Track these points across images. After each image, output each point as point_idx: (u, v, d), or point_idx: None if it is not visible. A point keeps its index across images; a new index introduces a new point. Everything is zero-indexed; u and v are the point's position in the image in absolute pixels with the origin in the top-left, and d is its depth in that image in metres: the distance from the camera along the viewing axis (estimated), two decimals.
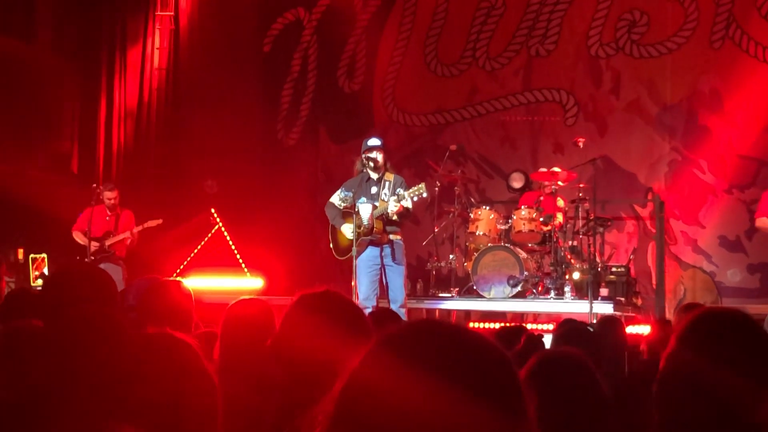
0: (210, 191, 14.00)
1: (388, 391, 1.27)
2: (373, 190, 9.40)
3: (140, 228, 11.70)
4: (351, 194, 9.42)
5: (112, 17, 14.96)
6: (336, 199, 9.62)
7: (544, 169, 11.48)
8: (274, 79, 14.61)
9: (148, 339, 2.11)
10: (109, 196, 11.75)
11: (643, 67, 12.85)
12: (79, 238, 11.69)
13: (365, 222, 9.20)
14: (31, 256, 12.39)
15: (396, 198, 9.12)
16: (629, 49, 12.91)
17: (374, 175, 9.45)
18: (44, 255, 12.37)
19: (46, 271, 12.24)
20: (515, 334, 5.42)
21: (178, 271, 13.04)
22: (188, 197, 14.06)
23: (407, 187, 9.21)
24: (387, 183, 9.37)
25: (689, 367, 2.26)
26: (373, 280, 9.25)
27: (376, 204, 9.25)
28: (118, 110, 14.74)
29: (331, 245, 9.75)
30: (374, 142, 9.55)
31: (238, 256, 13.42)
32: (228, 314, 3.85)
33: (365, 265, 9.30)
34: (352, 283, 9.22)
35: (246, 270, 13.28)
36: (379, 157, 9.41)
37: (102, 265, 11.48)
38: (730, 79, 12.34)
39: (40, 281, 12.00)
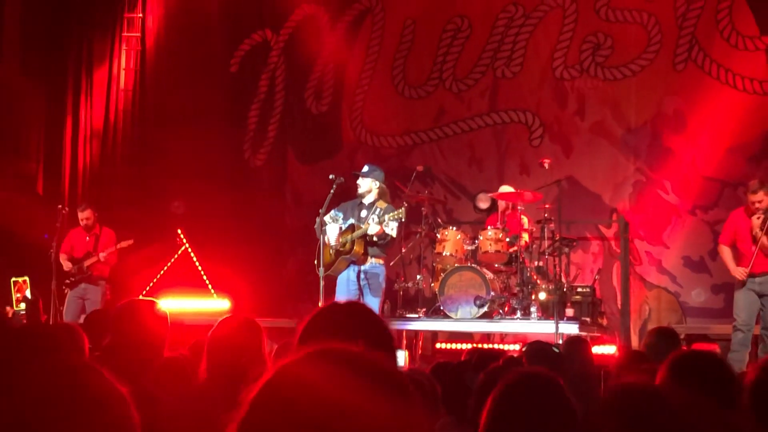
0: (177, 212, 13.93)
1: (311, 386, 1.38)
2: (363, 213, 9.69)
3: (112, 249, 11.61)
4: (341, 214, 9.76)
5: (78, 38, 14.92)
6: (327, 217, 9.86)
7: (508, 188, 11.45)
8: (242, 100, 14.58)
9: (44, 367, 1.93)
10: (81, 216, 11.64)
11: (608, 89, 12.97)
12: (63, 261, 11.59)
13: (332, 243, 9.50)
14: (13, 279, 12.22)
15: (376, 221, 9.29)
16: (594, 71, 13.02)
17: (367, 200, 9.76)
18: (26, 278, 12.21)
19: (28, 294, 12.07)
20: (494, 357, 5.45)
21: (144, 292, 12.96)
22: (155, 218, 13.98)
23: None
24: (378, 210, 9.61)
25: None
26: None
27: (342, 226, 9.49)
28: (84, 131, 14.68)
29: (315, 261, 9.82)
30: (363, 169, 9.90)
31: (204, 277, 13.37)
32: (212, 335, 3.83)
33: (344, 286, 9.60)
34: (320, 304, 9.22)
35: (213, 291, 13.24)
36: (362, 183, 9.75)
37: (82, 286, 11.41)
38: (693, 100, 12.48)
39: (23, 305, 11.85)
